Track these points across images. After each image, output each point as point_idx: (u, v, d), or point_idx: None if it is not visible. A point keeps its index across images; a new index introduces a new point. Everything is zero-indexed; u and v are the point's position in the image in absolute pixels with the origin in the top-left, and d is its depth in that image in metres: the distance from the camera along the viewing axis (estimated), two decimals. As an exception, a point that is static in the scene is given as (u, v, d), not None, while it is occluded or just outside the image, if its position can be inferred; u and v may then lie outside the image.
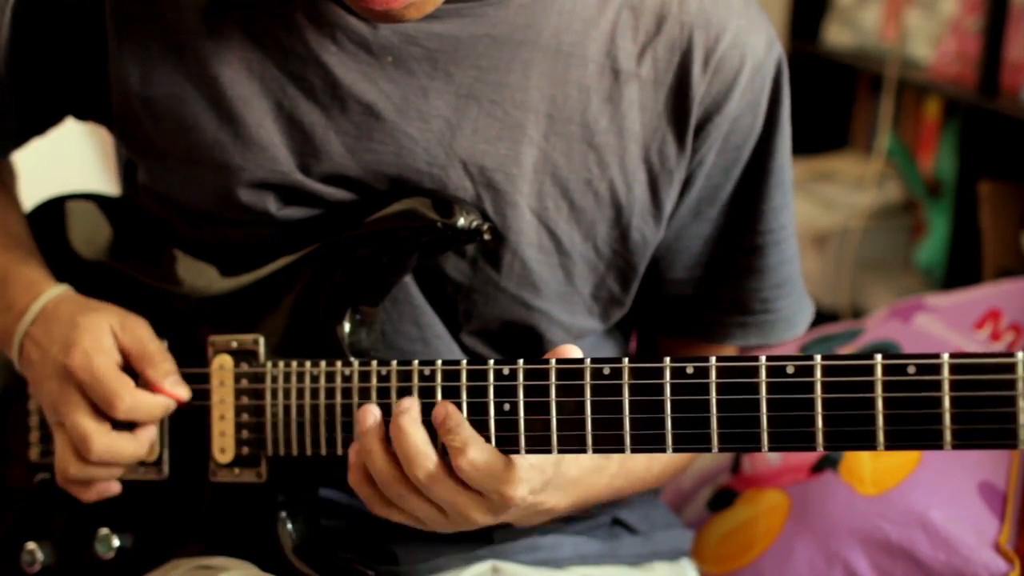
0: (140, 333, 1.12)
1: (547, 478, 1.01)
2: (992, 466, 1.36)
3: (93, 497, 1.13)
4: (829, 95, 3.35)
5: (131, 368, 1.12)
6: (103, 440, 1.09)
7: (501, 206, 1.09)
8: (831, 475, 1.39)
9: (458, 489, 0.99)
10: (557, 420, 0.97)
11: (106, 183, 2.56)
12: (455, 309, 1.14)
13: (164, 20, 1.11)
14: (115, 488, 1.13)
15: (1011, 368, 0.85)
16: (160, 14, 1.11)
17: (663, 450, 0.94)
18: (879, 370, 0.88)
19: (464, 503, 0.99)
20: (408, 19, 1.01)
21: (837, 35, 3.23)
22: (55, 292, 1.15)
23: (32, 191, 1.32)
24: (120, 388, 1.08)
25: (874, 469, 1.37)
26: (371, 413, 1.01)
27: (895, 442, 0.88)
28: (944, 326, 1.55)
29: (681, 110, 1.10)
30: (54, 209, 1.26)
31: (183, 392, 1.11)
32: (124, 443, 1.10)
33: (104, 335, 1.11)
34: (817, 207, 3.06)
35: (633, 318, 1.23)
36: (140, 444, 1.11)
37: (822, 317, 2.04)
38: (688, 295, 1.19)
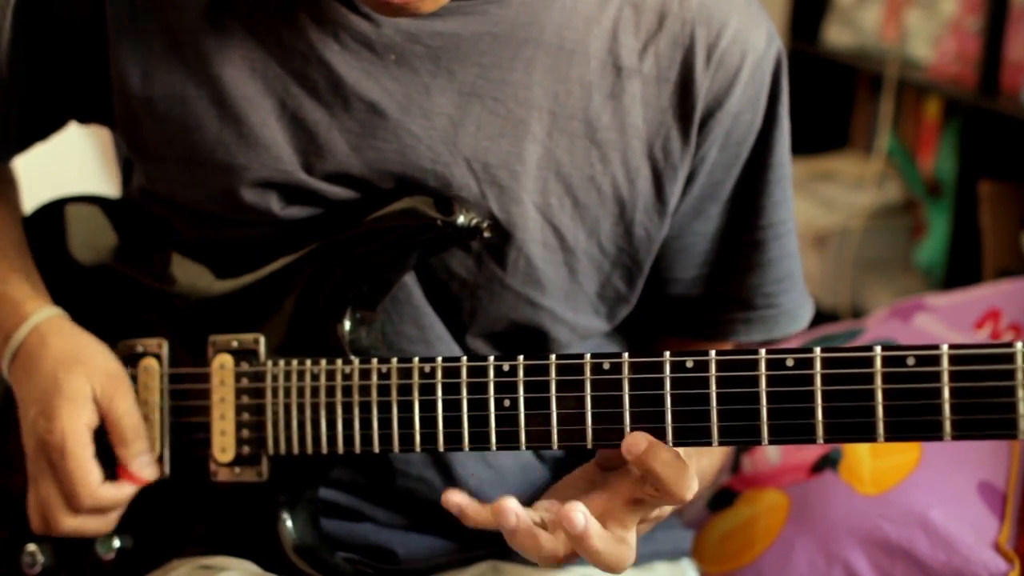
0: (118, 403, 1.11)
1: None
2: (992, 466, 1.36)
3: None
4: (829, 95, 3.35)
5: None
6: (68, 522, 1.11)
7: (506, 203, 1.09)
8: (831, 475, 1.39)
9: (635, 532, 0.95)
10: (557, 415, 0.97)
11: (106, 184, 2.56)
12: (460, 309, 1.14)
13: (165, 20, 1.11)
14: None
15: (1010, 358, 0.85)
16: (161, 14, 1.11)
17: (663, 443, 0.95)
18: (878, 362, 0.88)
19: (636, 540, 0.96)
20: (423, 12, 1.01)
21: (837, 35, 3.24)
22: (40, 318, 1.15)
23: (32, 192, 1.32)
24: (83, 489, 1.09)
25: (874, 469, 1.37)
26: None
27: (895, 433, 0.89)
28: (944, 326, 1.55)
29: (685, 106, 1.10)
30: (54, 212, 1.26)
31: (150, 475, 1.12)
32: (91, 523, 1.12)
33: (83, 409, 1.10)
34: (817, 207, 3.06)
35: (635, 320, 1.23)
36: (108, 522, 1.13)
37: (822, 317, 2.04)
38: (690, 293, 1.19)
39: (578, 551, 0.93)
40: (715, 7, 1.11)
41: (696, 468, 1.07)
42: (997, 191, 2.56)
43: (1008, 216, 2.53)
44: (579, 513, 0.91)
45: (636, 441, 0.93)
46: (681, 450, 0.96)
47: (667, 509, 1.00)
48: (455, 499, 0.95)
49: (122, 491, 1.12)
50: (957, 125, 2.83)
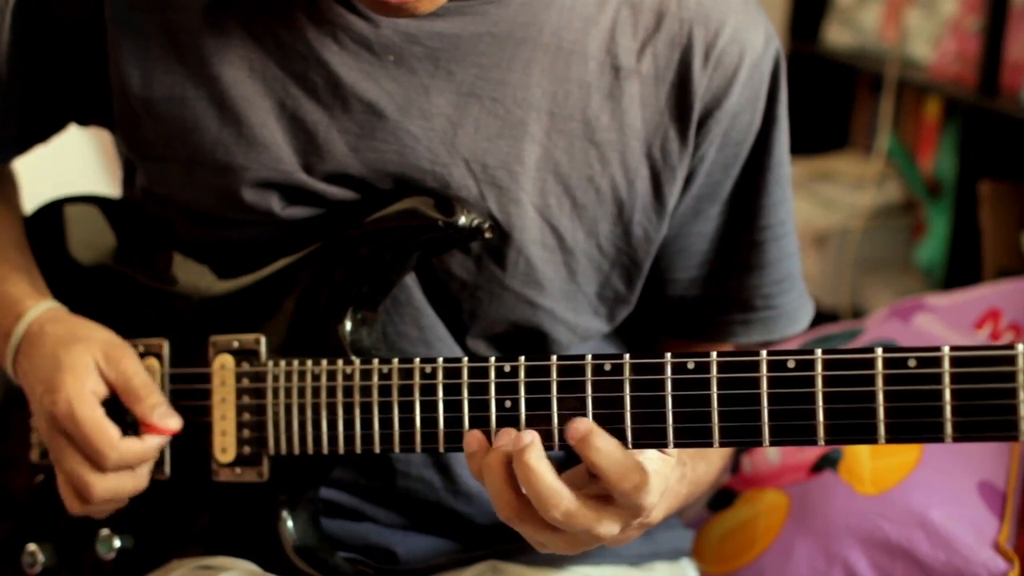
0: (124, 366, 1.10)
1: (667, 486, 0.98)
2: (992, 465, 1.36)
3: (103, 516, 1.13)
4: (829, 95, 3.35)
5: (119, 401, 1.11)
6: (102, 485, 1.08)
7: (505, 204, 1.09)
8: (831, 475, 1.40)
9: (593, 515, 0.94)
10: (559, 416, 0.97)
11: (106, 184, 2.56)
12: (459, 310, 1.14)
13: (164, 21, 1.11)
14: (122, 505, 1.13)
15: (1011, 360, 0.85)
16: (160, 15, 1.11)
17: (665, 445, 0.95)
18: (880, 363, 0.88)
19: (595, 523, 0.94)
20: (421, 12, 1.01)
21: (837, 35, 3.24)
22: (37, 311, 1.14)
23: (33, 192, 1.32)
24: (105, 444, 1.07)
25: (874, 469, 1.37)
26: (476, 438, 0.97)
27: (896, 435, 0.89)
28: (944, 326, 1.55)
29: (683, 106, 1.11)
30: (54, 212, 1.26)
31: (173, 423, 1.10)
32: (124, 482, 1.09)
33: (86, 377, 1.09)
34: (817, 207, 3.06)
35: (635, 321, 1.23)
36: (141, 478, 1.10)
37: (822, 317, 2.04)
38: (690, 295, 1.19)
39: (586, 456, 0.93)
40: (713, 7, 1.11)
41: (692, 475, 1.07)
42: (997, 191, 2.56)
43: (1008, 216, 2.53)
44: (580, 421, 0.93)
45: (576, 426, 0.93)
46: (674, 453, 0.96)
47: (631, 531, 0.98)
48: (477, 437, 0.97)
49: (147, 444, 1.09)
50: (957, 125, 2.83)
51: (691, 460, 1.08)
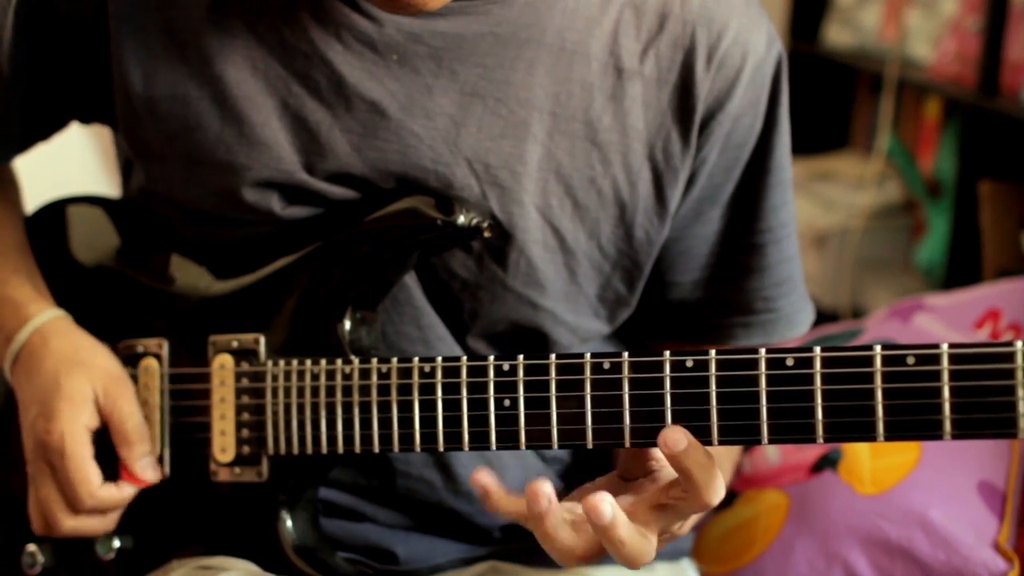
0: (121, 405, 1.12)
1: None
2: (991, 465, 1.36)
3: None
4: (829, 95, 3.35)
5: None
6: (69, 523, 1.11)
7: (507, 204, 1.09)
8: (830, 474, 1.40)
9: (660, 536, 0.94)
10: (557, 415, 0.97)
11: (106, 184, 2.56)
12: (460, 309, 1.14)
13: (166, 19, 1.11)
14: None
15: (1010, 357, 0.85)
16: (162, 13, 1.11)
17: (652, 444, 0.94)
18: (878, 361, 0.88)
19: (659, 544, 0.95)
20: (429, 9, 1.01)
21: (837, 35, 3.24)
22: (42, 320, 1.15)
23: (33, 192, 1.32)
24: (84, 491, 1.09)
25: (873, 468, 1.37)
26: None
27: (895, 433, 0.89)
28: (944, 326, 1.55)
29: (686, 107, 1.10)
30: (55, 212, 1.26)
31: (152, 476, 1.12)
32: (92, 523, 1.12)
33: (83, 409, 1.10)
34: (817, 207, 3.06)
35: (635, 324, 1.23)
36: (109, 522, 1.13)
37: (822, 317, 2.04)
38: (690, 298, 1.19)
39: (603, 541, 0.92)
40: (716, 9, 1.11)
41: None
42: (997, 191, 2.56)
43: (1008, 216, 2.53)
44: (607, 504, 0.90)
45: (677, 438, 0.91)
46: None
47: (689, 521, 0.98)
48: (483, 480, 0.95)
49: (123, 492, 1.12)
50: (957, 125, 2.83)
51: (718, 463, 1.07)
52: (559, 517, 0.92)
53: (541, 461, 1.19)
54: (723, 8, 1.11)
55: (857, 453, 1.39)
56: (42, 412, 1.11)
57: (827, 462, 1.42)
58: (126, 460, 1.12)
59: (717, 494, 0.92)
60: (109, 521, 1.13)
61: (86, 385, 1.11)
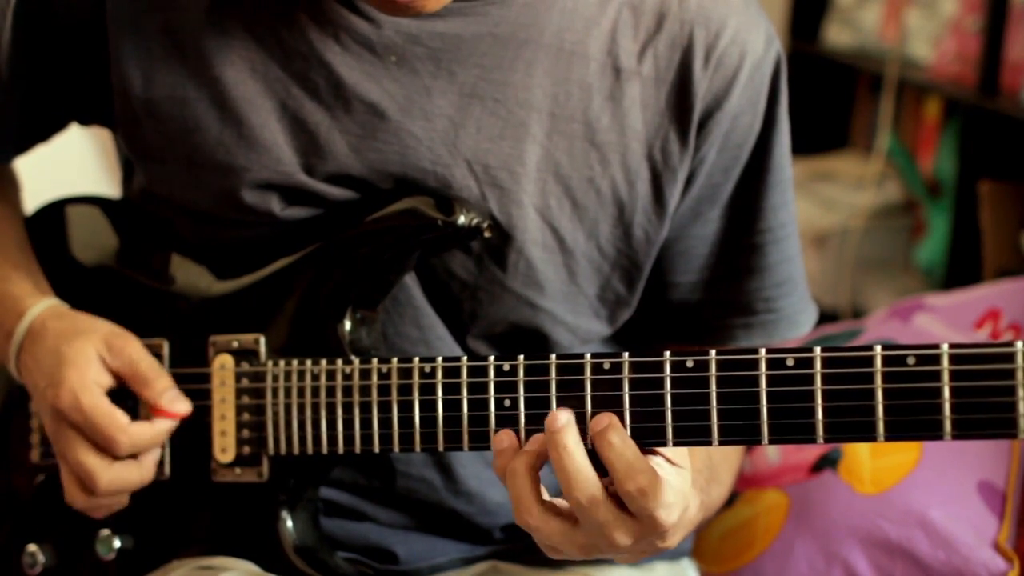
0: (129, 352, 1.10)
1: (685, 507, 0.96)
2: (991, 465, 1.36)
3: (103, 516, 1.13)
4: (829, 95, 3.35)
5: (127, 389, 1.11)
6: (107, 475, 1.08)
7: (506, 204, 1.09)
8: (830, 474, 1.40)
9: (614, 513, 0.93)
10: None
11: (106, 184, 2.56)
12: (460, 310, 1.14)
13: (165, 21, 1.11)
14: (124, 502, 1.13)
15: (1010, 358, 0.85)
16: (161, 15, 1.11)
17: (664, 444, 0.94)
18: (879, 361, 0.88)
19: (616, 526, 0.93)
20: (427, 11, 1.01)
21: (837, 35, 3.24)
22: (39, 309, 1.14)
23: (33, 193, 1.32)
24: (115, 429, 1.07)
25: (873, 468, 1.37)
26: (508, 435, 0.97)
27: (895, 433, 0.89)
28: (944, 326, 1.55)
29: (683, 107, 1.10)
30: (54, 213, 1.26)
31: (183, 407, 1.10)
32: (130, 472, 1.09)
33: (89, 367, 1.09)
34: (817, 207, 3.06)
35: (636, 326, 1.23)
36: (146, 469, 1.10)
37: (822, 317, 2.03)
38: (690, 299, 1.19)
39: (550, 448, 0.93)
40: (713, 8, 1.11)
41: (707, 500, 1.06)
42: (997, 191, 2.56)
43: (1008, 216, 2.53)
44: (563, 412, 0.94)
45: (598, 418, 0.93)
46: (687, 465, 0.95)
47: (674, 536, 0.97)
48: (507, 438, 0.96)
49: (156, 427, 1.09)
50: (957, 125, 2.83)
51: (707, 485, 1.07)
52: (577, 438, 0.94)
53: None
54: (721, 7, 1.11)
55: (857, 453, 1.39)
56: (50, 383, 1.09)
57: (827, 462, 1.42)
58: (150, 399, 1.09)
59: (633, 482, 0.91)
60: (145, 469, 1.10)
61: (87, 347, 1.10)
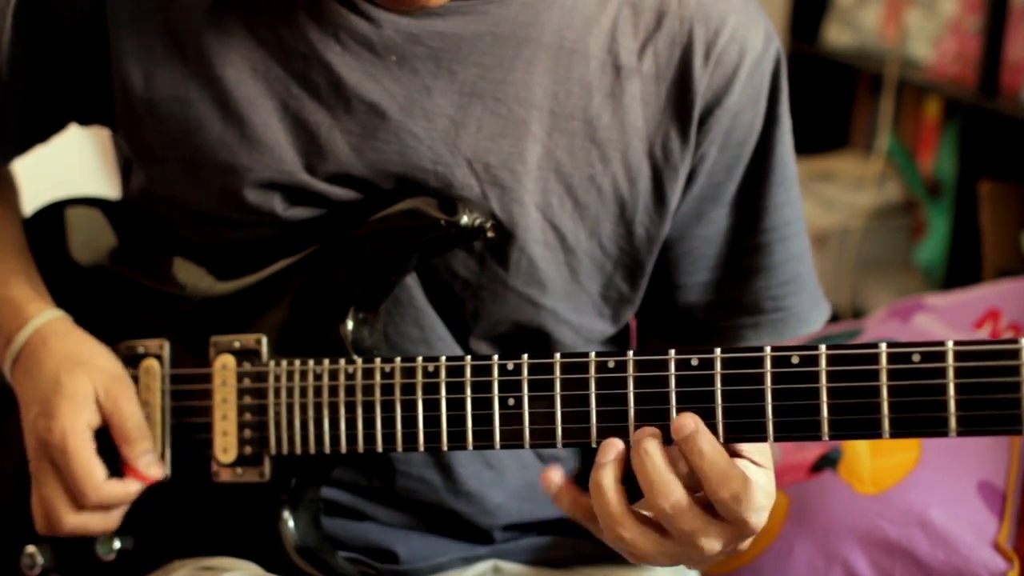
0: (122, 405, 1.12)
1: (766, 515, 0.95)
2: (991, 465, 1.36)
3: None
4: (829, 95, 3.35)
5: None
6: (72, 520, 1.11)
7: (507, 203, 1.09)
8: (830, 474, 1.40)
9: (701, 520, 0.92)
10: (562, 414, 0.97)
11: (106, 185, 2.56)
12: (462, 310, 1.14)
13: (166, 21, 1.11)
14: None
15: (1015, 354, 0.85)
16: (162, 15, 1.11)
17: (669, 443, 0.94)
18: (884, 359, 0.88)
19: (705, 532, 0.92)
20: (432, 6, 1.01)
21: (837, 35, 3.24)
22: (41, 321, 1.15)
23: (32, 194, 1.32)
24: (88, 485, 1.09)
25: (873, 468, 1.38)
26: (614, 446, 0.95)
27: (900, 430, 0.89)
28: (944, 326, 1.55)
29: (683, 104, 1.10)
30: (54, 213, 1.26)
31: (156, 473, 1.12)
32: (95, 521, 1.12)
33: (83, 407, 1.10)
34: (817, 207, 3.06)
35: (642, 329, 1.23)
36: (112, 519, 1.12)
37: (822, 317, 2.03)
38: (698, 301, 1.18)
39: (684, 453, 0.91)
40: (713, 6, 1.11)
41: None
42: (997, 191, 2.56)
43: (1008, 216, 2.54)
44: (688, 417, 0.91)
45: (682, 422, 0.92)
46: (771, 465, 0.95)
47: (744, 540, 0.96)
48: (556, 478, 0.95)
49: (128, 487, 1.11)
50: (957, 125, 2.83)
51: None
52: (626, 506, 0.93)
53: (540, 461, 1.19)
54: (720, 5, 1.11)
55: (857, 453, 1.39)
56: (43, 411, 1.11)
57: (827, 462, 1.42)
58: (128, 458, 1.12)
59: (727, 488, 0.90)
60: (112, 519, 1.12)
61: (87, 384, 1.11)
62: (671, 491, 0.91)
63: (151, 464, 1.12)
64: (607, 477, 0.94)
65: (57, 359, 1.12)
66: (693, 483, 0.93)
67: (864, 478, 1.37)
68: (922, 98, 3.04)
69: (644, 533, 0.94)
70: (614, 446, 0.94)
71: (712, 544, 0.93)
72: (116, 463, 1.12)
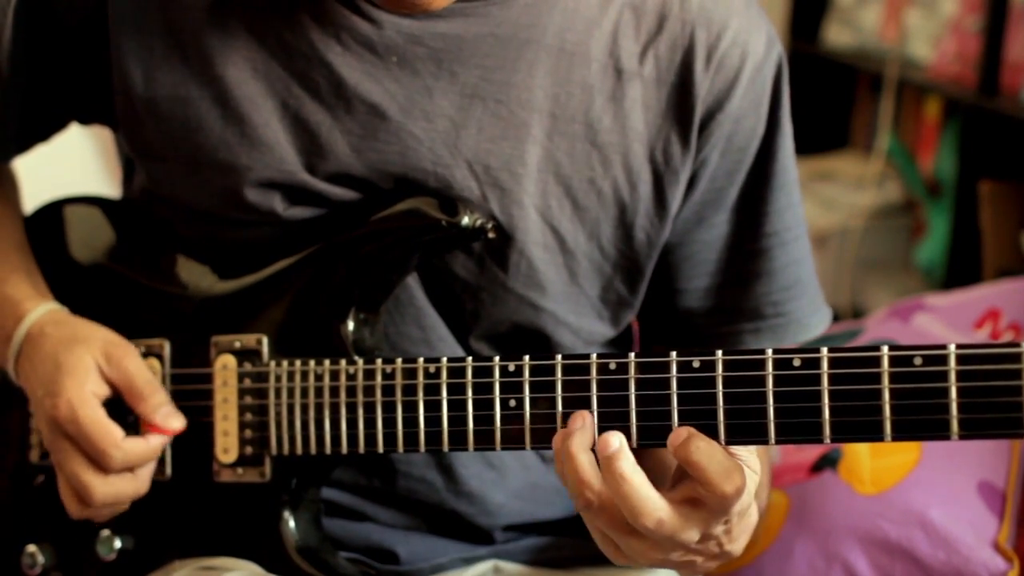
0: (126, 365, 1.10)
1: (744, 507, 0.95)
2: (991, 465, 1.36)
3: (103, 520, 1.14)
4: (829, 95, 3.35)
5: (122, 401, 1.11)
6: (102, 489, 1.08)
7: (507, 205, 1.09)
8: (830, 474, 1.40)
9: (680, 520, 0.91)
10: (563, 415, 0.97)
11: (107, 184, 2.56)
12: (462, 310, 1.14)
13: (167, 20, 1.11)
14: (124, 508, 1.13)
15: (1017, 358, 0.85)
16: (163, 14, 1.11)
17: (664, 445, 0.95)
18: (885, 362, 0.88)
19: (681, 528, 0.92)
20: (434, 8, 1.02)
21: (837, 35, 3.24)
22: (38, 314, 1.14)
23: (33, 193, 1.32)
24: (109, 444, 1.07)
25: (873, 468, 1.38)
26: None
27: (902, 433, 0.89)
28: (944, 326, 1.55)
29: (685, 108, 1.10)
30: (54, 213, 1.26)
31: (177, 423, 1.10)
32: (125, 485, 1.09)
33: (87, 378, 1.09)
34: (817, 207, 3.06)
35: (643, 333, 1.23)
36: (142, 482, 1.10)
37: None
38: (699, 306, 1.18)
39: (605, 476, 0.91)
40: (715, 9, 1.11)
41: (761, 504, 1.05)
42: (997, 191, 2.56)
43: (1008, 216, 2.54)
44: (614, 436, 0.91)
45: (678, 433, 0.91)
46: (756, 467, 0.95)
47: (738, 540, 0.97)
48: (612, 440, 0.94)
49: (151, 443, 1.09)
50: (957, 125, 2.84)
51: (763, 490, 1.06)
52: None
53: (542, 462, 1.19)
54: (722, 8, 1.11)
55: (857, 453, 1.39)
56: (48, 391, 1.09)
57: (827, 462, 1.42)
58: (144, 414, 1.10)
59: (731, 482, 0.90)
60: (142, 481, 1.10)
61: (86, 356, 1.10)
62: (652, 511, 0.90)
63: (169, 415, 1.10)
64: (576, 444, 0.93)
65: (55, 342, 1.11)
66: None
67: (864, 478, 1.37)
68: (922, 98, 3.05)
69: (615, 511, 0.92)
70: (582, 416, 0.94)
71: (688, 534, 0.92)
72: (133, 431, 1.10)
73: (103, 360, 1.10)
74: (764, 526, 1.41)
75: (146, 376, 1.11)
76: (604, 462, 0.91)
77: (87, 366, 1.09)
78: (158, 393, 1.10)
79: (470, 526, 1.18)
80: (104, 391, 1.10)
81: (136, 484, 1.10)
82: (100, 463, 1.08)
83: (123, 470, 1.09)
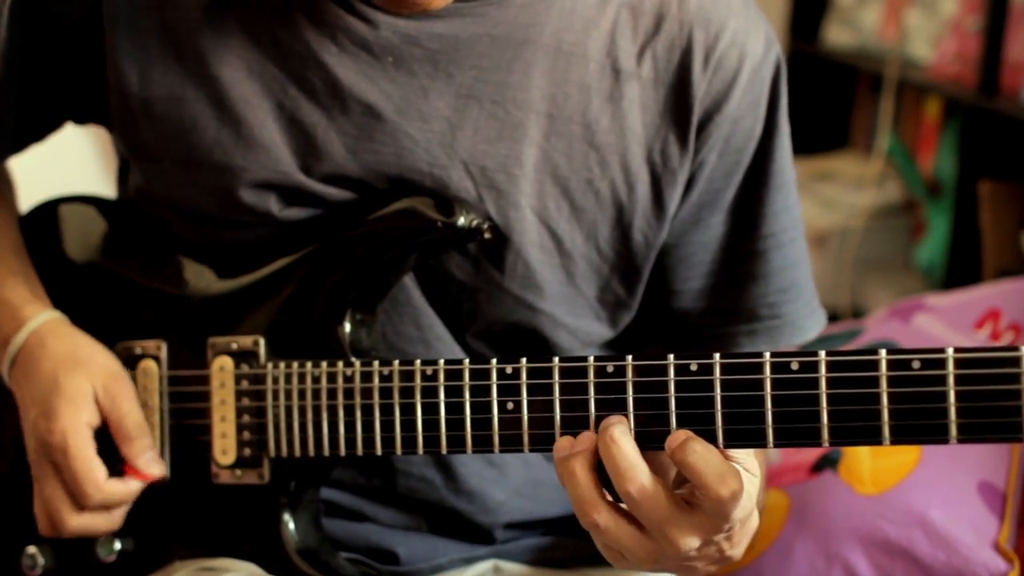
0: (120, 402, 1.11)
1: (747, 513, 0.94)
2: (992, 466, 1.36)
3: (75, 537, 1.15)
4: (829, 95, 3.35)
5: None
6: (75, 521, 1.11)
7: (503, 206, 1.09)
8: (831, 475, 1.40)
9: (674, 513, 0.91)
10: (561, 418, 0.97)
11: (106, 184, 2.56)
12: (459, 310, 1.14)
13: (162, 20, 1.11)
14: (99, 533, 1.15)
15: (1016, 362, 0.85)
16: (158, 14, 1.11)
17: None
18: (883, 365, 0.88)
19: (675, 525, 0.91)
20: (432, 8, 1.02)
21: (837, 35, 3.24)
22: (38, 322, 1.15)
23: (30, 193, 1.32)
24: (90, 484, 1.09)
25: (874, 469, 1.38)
26: (567, 441, 0.95)
27: (900, 436, 0.88)
28: (944, 326, 1.55)
29: (682, 109, 1.10)
30: (50, 212, 1.25)
31: (157, 471, 1.12)
32: (97, 521, 1.11)
33: (83, 407, 1.10)
34: (817, 207, 3.06)
35: (639, 334, 1.23)
36: (114, 521, 1.12)
37: (822, 317, 2.03)
38: (694, 307, 1.18)
39: (680, 462, 0.91)
40: (713, 10, 1.10)
41: (760, 507, 1.05)
42: (997, 191, 2.56)
43: (1008, 216, 2.54)
44: (564, 439, 0.93)
45: (675, 436, 0.91)
46: (757, 471, 0.95)
47: (739, 544, 0.97)
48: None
49: (129, 486, 1.11)
50: (957, 125, 2.83)
51: (760, 492, 1.06)
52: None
53: (543, 458, 1.19)
54: (720, 9, 1.11)
55: (857, 453, 1.39)
56: (43, 412, 1.10)
57: (827, 462, 1.42)
58: (128, 456, 1.11)
59: (727, 487, 0.90)
60: (114, 519, 1.12)
61: (85, 383, 1.11)
62: (636, 475, 0.91)
63: (151, 462, 1.12)
64: (578, 464, 0.93)
65: (55, 360, 1.12)
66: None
67: (864, 478, 1.37)
68: (922, 98, 3.04)
69: (618, 521, 0.93)
70: (588, 437, 0.94)
71: (687, 539, 0.92)
72: (116, 462, 1.12)
73: (101, 391, 1.11)
74: (763, 526, 1.41)
75: (137, 419, 1.12)
76: (600, 428, 0.93)
77: (85, 394, 1.11)
78: (144, 438, 1.12)
79: (470, 524, 1.18)
80: (96, 421, 1.12)
81: (109, 521, 1.12)
82: (78, 498, 1.10)
83: (98, 509, 1.11)
